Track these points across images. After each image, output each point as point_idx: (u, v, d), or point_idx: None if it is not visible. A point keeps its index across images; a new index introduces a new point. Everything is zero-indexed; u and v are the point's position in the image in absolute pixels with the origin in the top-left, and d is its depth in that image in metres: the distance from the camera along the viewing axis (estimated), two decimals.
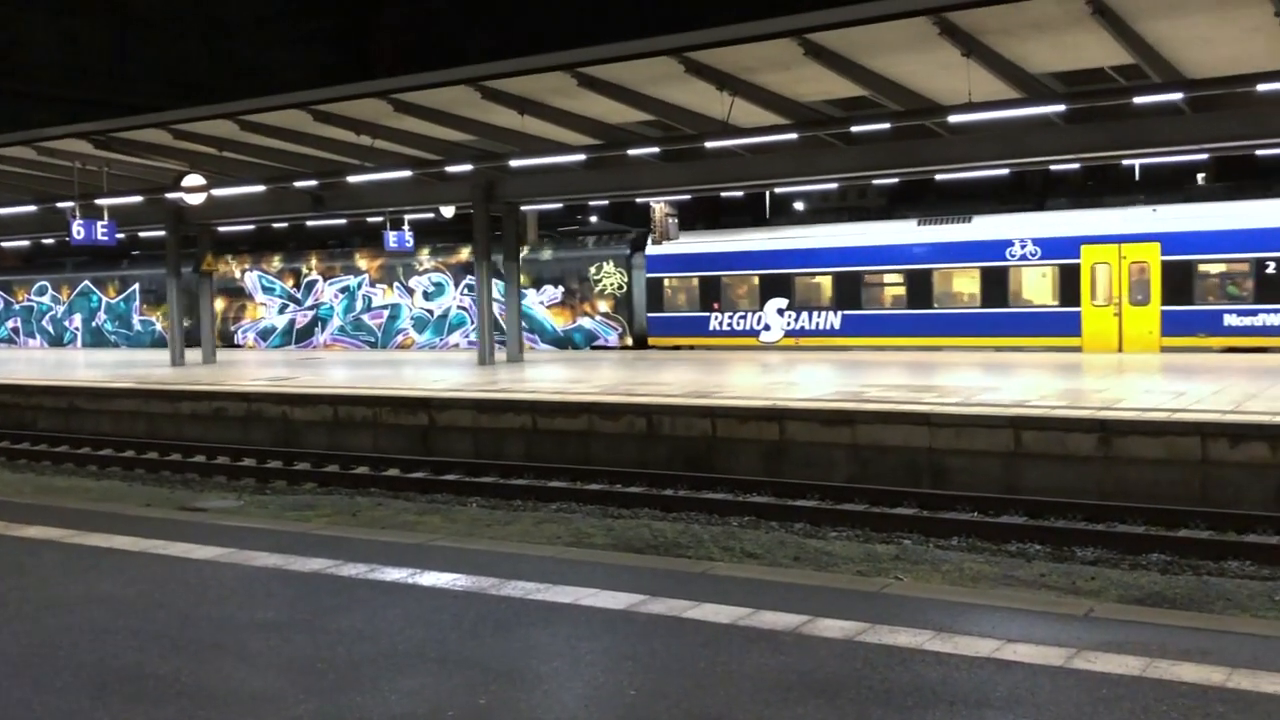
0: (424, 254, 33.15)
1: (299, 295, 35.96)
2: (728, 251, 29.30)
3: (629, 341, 30.56)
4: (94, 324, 40.62)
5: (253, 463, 17.54)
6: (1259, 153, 19.71)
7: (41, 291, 41.95)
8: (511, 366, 24.62)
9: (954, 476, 13.72)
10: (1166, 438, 12.66)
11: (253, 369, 25.89)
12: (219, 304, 34.77)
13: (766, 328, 28.66)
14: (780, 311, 28.45)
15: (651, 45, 16.56)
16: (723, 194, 26.50)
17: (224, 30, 54.64)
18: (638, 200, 27.56)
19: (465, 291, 32.33)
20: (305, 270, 35.91)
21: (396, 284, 34.00)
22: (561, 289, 31.52)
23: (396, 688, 5.09)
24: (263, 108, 20.94)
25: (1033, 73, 16.77)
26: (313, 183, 24.73)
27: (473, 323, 31.37)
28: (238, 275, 37.05)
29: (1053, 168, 22.86)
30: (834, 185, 28.60)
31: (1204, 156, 23.83)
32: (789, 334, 28.36)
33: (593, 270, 31.08)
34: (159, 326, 38.23)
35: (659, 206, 27.38)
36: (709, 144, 19.28)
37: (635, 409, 16.08)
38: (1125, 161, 24.84)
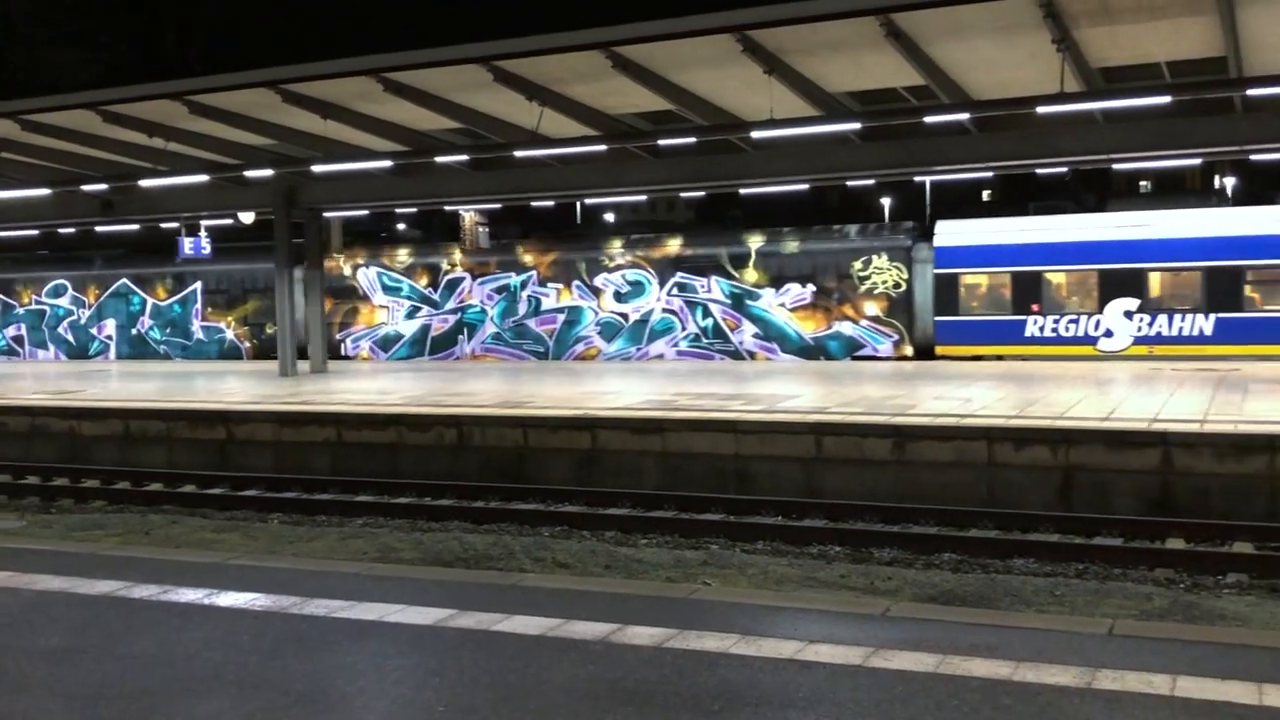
0: (615, 246, 28.40)
1: (435, 296, 29.73)
2: (1054, 242, 24.45)
3: (907, 351, 25.56)
4: (135, 331, 33.43)
5: (36, 480, 16.57)
6: (1039, 171, 20.92)
7: (58, 292, 34.62)
8: (316, 377, 23.99)
9: (760, 482, 14.04)
10: (955, 442, 13.27)
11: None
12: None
13: (1108, 333, 23.91)
14: (1128, 314, 23.73)
15: (460, 53, 16.45)
16: (533, 204, 26.39)
17: (6, 26, 51.69)
18: (446, 208, 27.29)
19: (675, 292, 27.40)
20: (446, 266, 29.57)
21: (576, 283, 28.32)
22: (811, 288, 26.22)
23: (191, 714, 4.88)
24: (46, 107, 19.87)
25: (831, 92, 17.35)
26: (102, 186, 23.57)
27: (683, 328, 27.30)
28: (347, 272, 30.48)
29: (853, 183, 23.70)
30: (643, 197, 28.94)
31: (989, 174, 25.08)
32: (1140, 341, 23.72)
33: (857, 265, 25.85)
34: (230, 334, 32.06)
35: (469, 215, 27.19)
36: (518, 153, 19.26)
37: (445, 420, 15.89)
38: (917, 178, 25.94)
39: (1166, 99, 15.72)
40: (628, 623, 5.99)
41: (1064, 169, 23.23)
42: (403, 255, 30.47)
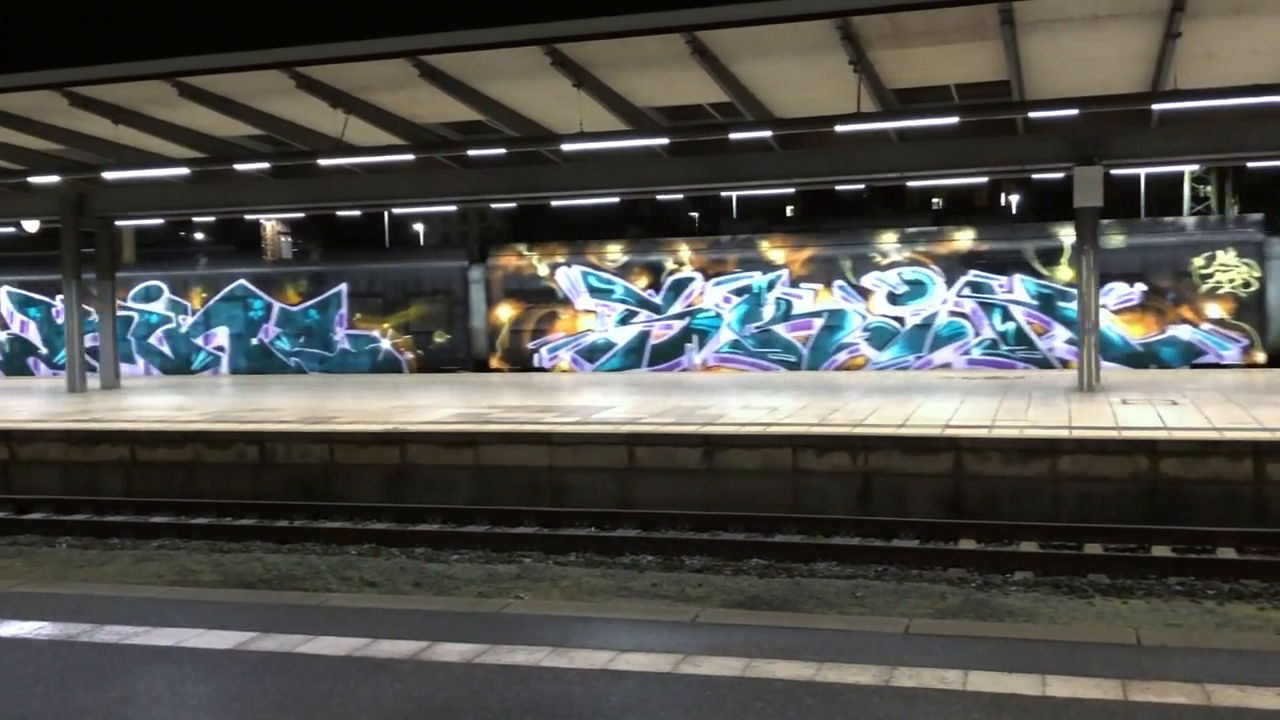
0: (888, 240, 24.93)
1: (657, 299, 26.09)
2: None
3: (1258, 358, 22.79)
4: (255, 341, 28.53)
5: None
6: (838, 188, 21.67)
7: (150, 295, 29.10)
8: (109, 394, 22.86)
9: (573, 493, 14.08)
10: (762, 450, 13.60)
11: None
12: (507, 311, 26.67)
13: None
14: None
15: (259, 58, 15.98)
16: (339, 213, 25.80)
17: None
18: (247, 217, 26.42)
19: (966, 292, 24.13)
20: (671, 265, 25.98)
21: (839, 283, 24.90)
22: (1141, 287, 23.31)
23: None
24: None
25: (640, 106, 17.59)
26: None
27: (976, 334, 24.12)
28: (543, 272, 26.63)
29: (662, 197, 24.05)
30: (453, 208, 28.63)
31: (791, 190, 25.83)
32: None
33: (1198, 262, 23.06)
34: (387, 344, 27.56)
35: (270, 225, 26.44)
36: (323, 161, 18.84)
37: (246, 437, 15.37)
38: (724, 193, 26.50)
39: (955, 120, 16.54)
40: (437, 640, 5.92)
41: (862, 185, 24.11)
42: (615, 252, 26.64)
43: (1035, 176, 21.04)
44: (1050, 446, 12.67)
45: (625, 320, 26.36)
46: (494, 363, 26.67)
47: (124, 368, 27.06)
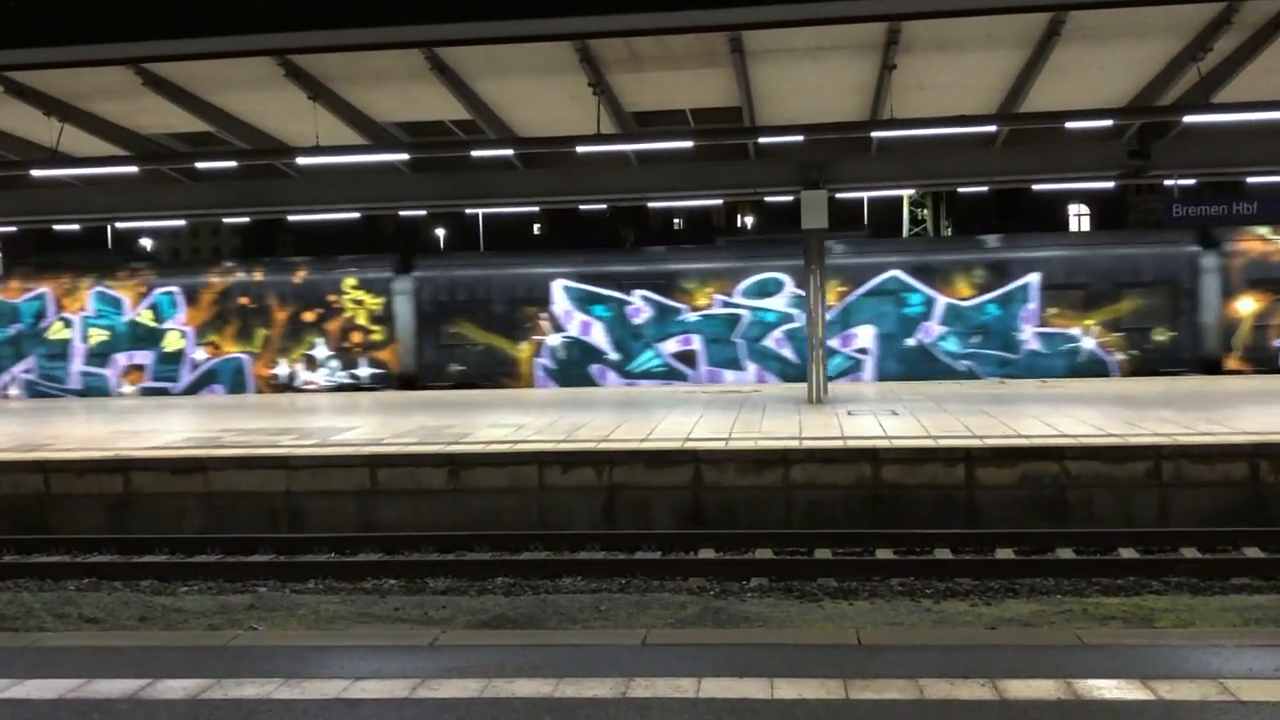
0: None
1: None
2: None
3: None
4: (912, 341, 23.41)
5: None
6: (581, 207, 21.94)
7: (766, 290, 23.75)
8: None
9: (312, 518, 13.66)
10: (509, 468, 13.59)
11: None
12: (1249, 304, 22.51)
13: None
14: None
15: None
16: (55, 227, 24.22)
17: None
18: None
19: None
20: None
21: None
22: None
23: None
24: None
25: (380, 121, 17.31)
26: None
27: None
28: None
29: (405, 213, 23.71)
30: (182, 221, 27.32)
31: (535, 209, 25.99)
32: None
33: None
34: (1090, 344, 22.93)
35: None
36: (36, 173, 17.63)
37: None
38: (467, 210, 26.36)
39: (691, 143, 17.06)
40: (160, 676, 5.62)
41: (604, 205, 24.54)
42: None
43: (768, 199, 21.90)
44: (782, 457, 13.22)
45: None
46: (1230, 363, 22.83)
47: (726, 375, 23.91)
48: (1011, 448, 13.07)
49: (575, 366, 24.13)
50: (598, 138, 16.00)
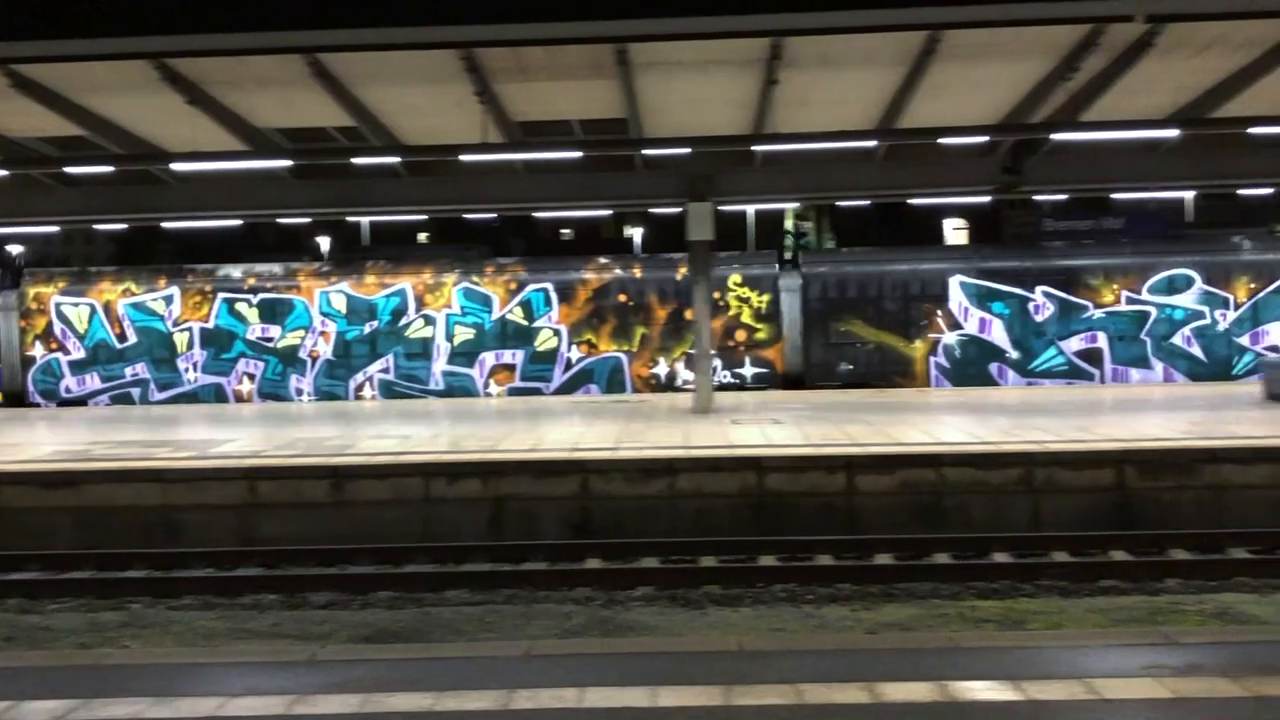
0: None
1: None
2: None
3: None
4: None
5: None
6: (467, 216, 21.81)
7: (1174, 286, 23.03)
8: None
9: (189, 532, 13.31)
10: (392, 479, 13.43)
11: None
12: None
13: None
14: None
15: None
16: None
17: None
18: None
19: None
20: None
21: None
22: None
23: None
24: None
25: (260, 127, 16.99)
26: None
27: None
28: None
29: (286, 220, 23.29)
30: (55, 229, 26.44)
31: (424, 217, 25.76)
32: None
33: None
34: None
35: None
36: None
37: None
38: (350, 218, 25.98)
39: (578, 154, 17.09)
40: (23, 699, 5.42)
41: (492, 215, 24.46)
42: None
43: (654, 211, 22.07)
44: (668, 466, 13.30)
45: None
46: None
47: (1133, 373, 23.07)
48: (890, 455, 13.36)
49: (973, 365, 23.41)
50: (482, 146, 15.94)
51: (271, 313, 23.57)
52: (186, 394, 23.62)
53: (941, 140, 16.76)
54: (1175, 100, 16.35)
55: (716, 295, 22.83)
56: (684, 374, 23.28)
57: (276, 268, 23.90)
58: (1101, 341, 23.19)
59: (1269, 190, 21.49)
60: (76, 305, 23.65)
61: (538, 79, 15.24)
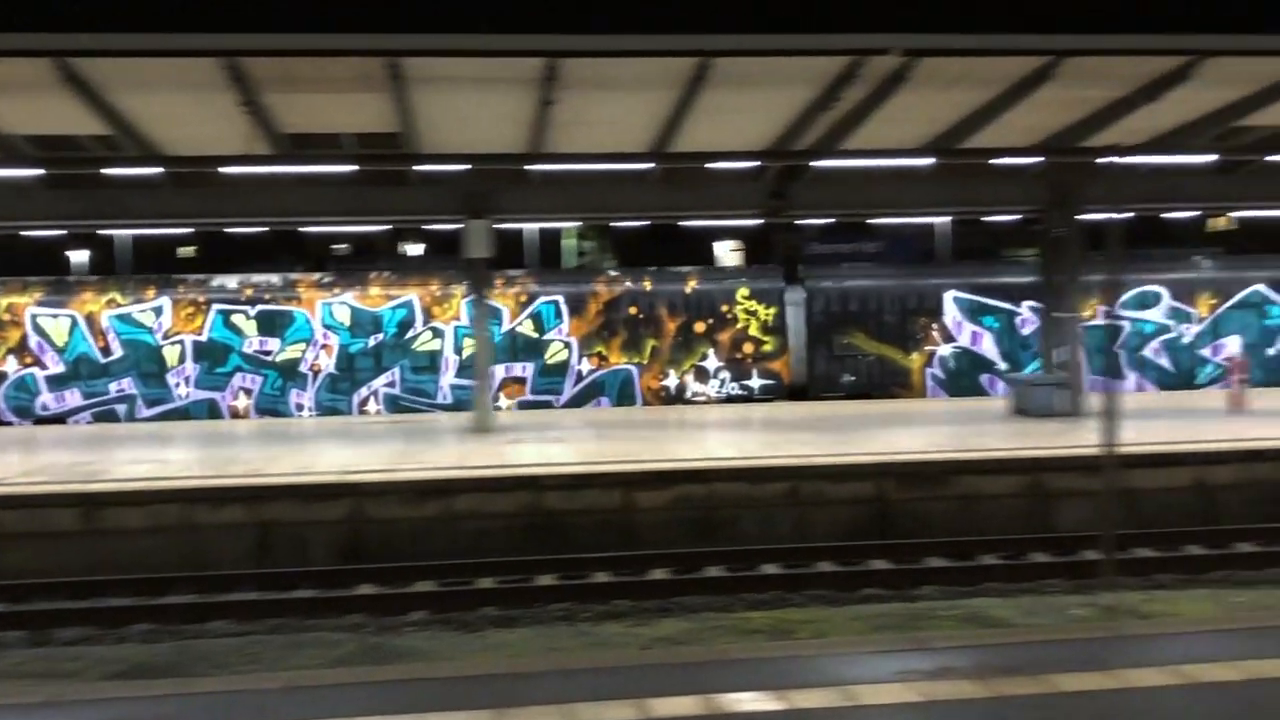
0: None
1: None
2: None
3: None
4: (1271, 351, 24.88)
5: None
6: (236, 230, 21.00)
7: (1146, 302, 24.65)
8: None
9: None
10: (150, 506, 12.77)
11: None
12: None
13: None
14: None
15: None
16: None
17: None
18: None
19: None
20: None
21: None
22: None
23: None
24: None
25: (6, 133, 15.92)
26: None
27: None
28: None
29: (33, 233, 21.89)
30: None
31: (190, 230, 24.65)
32: None
33: None
34: None
35: None
36: None
37: None
38: (101, 231, 24.63)
39: (352, 168, 16.72)
40: None
41: (262, 228, 23.66)
42: None
43: (433, 227, 21.81)
44: (445, 486, 13.13)
45: None
46: None
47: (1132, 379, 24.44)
48: (664, 471, 13.57)
49: (966, 376, 24.07)
50: (247, 158, 15.40)
51: (270, 325, 22.58)
52: (177, 410, 22.40)
53: (712, 164, 17.19)
54: (929, 131, 17.25)
55: (725, 308, 23.47)
56: (694, 386, 23.58)
57: (275, 278, 22.85)
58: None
59: (1016, 217, 23.06)
60: (55, 317, 22.13)
61: (306, 90, 14.79)
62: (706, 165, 17.86)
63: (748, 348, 23.70)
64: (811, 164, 17.85)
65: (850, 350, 23.95)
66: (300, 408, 22.65)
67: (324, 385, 22.72)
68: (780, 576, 11.96)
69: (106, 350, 22.18)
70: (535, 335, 23.19)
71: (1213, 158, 18.59)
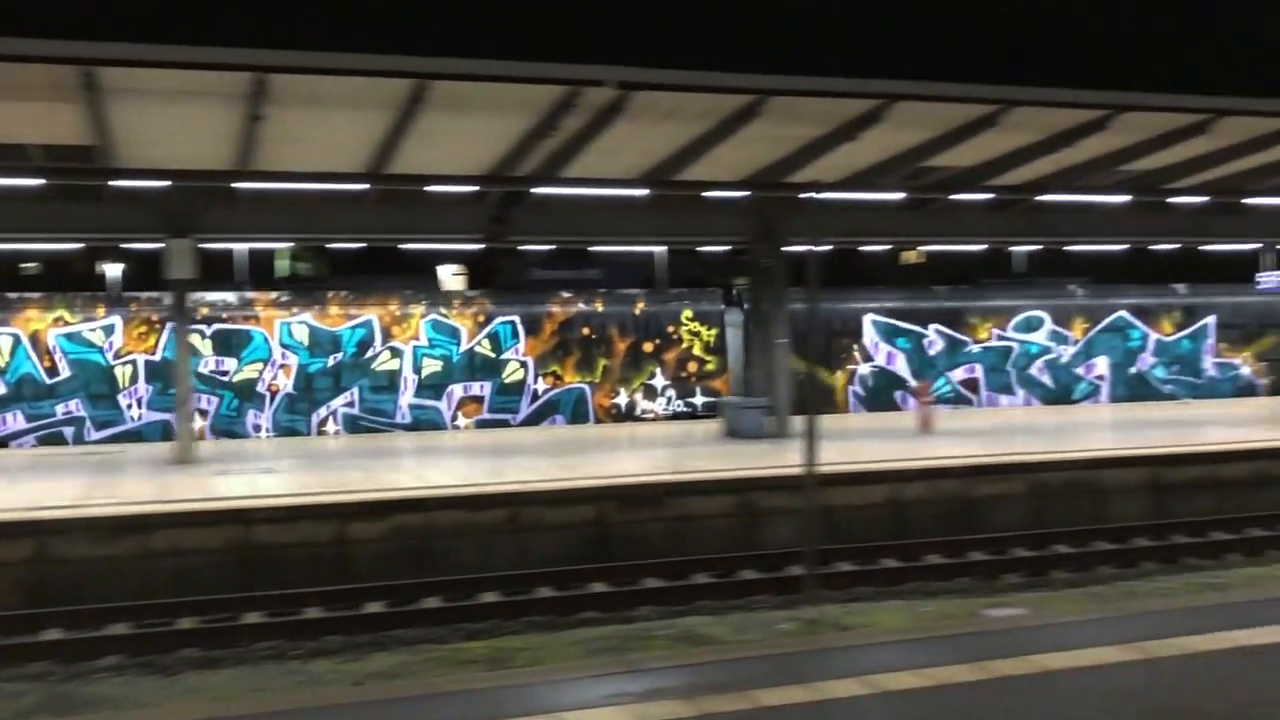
0: None
1: None
2: None
3: None
4: (1133, 370, 27.87)
5: None
6: None
7: (1031, 326, 26.82)
8: None
9: None
10: None
11: None
12: None
13: None
14: None
15: None
16: None
17: None
18: None
19: None
20: None
21: None
22: None
23: None
24: None
25: None
26: None
27: None
28: None
29: None
30: None
31: None
32: None
33: None
34: (1246, 371, 28.91)
35: None
36: None
37: None
38: None
39: (40, 181, 15.56)
40: None
41: None
42: None
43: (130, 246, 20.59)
44: (141, 523, 12.35)
45: None
46: None
47: (1003, 399, 26.95)
48: (380, 501, 13.27)
49: (882, 393, 25.70)
50: None
51: (226, 345, 21.83)
52: (129, 432, 21.37)
53: (430, 187, 17.01)
54: (645, 162, 17.68)
55: (671, 329, 24.51)
56: (643, 404, 24.40)
57: (231, 297, 22.21)
58: (979, 372, 26.70)
59: (725, 248, 24.13)
60: None
61: None
62: (425, 188, 17.63)
63: (692, 366, 24.77)
64: (532, 190, 17.94)
65: None
66: (258, 428, 22.16)
67: (282, 406, 22.34)
68: (499, 604, 11.89)
69: (53, 370, 21.09)
70: (493, 355, 23.45)
71: (901, 196, 19.95)
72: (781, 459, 16.01)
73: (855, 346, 25.73)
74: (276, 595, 11.98)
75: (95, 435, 21.22)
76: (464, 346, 23.21)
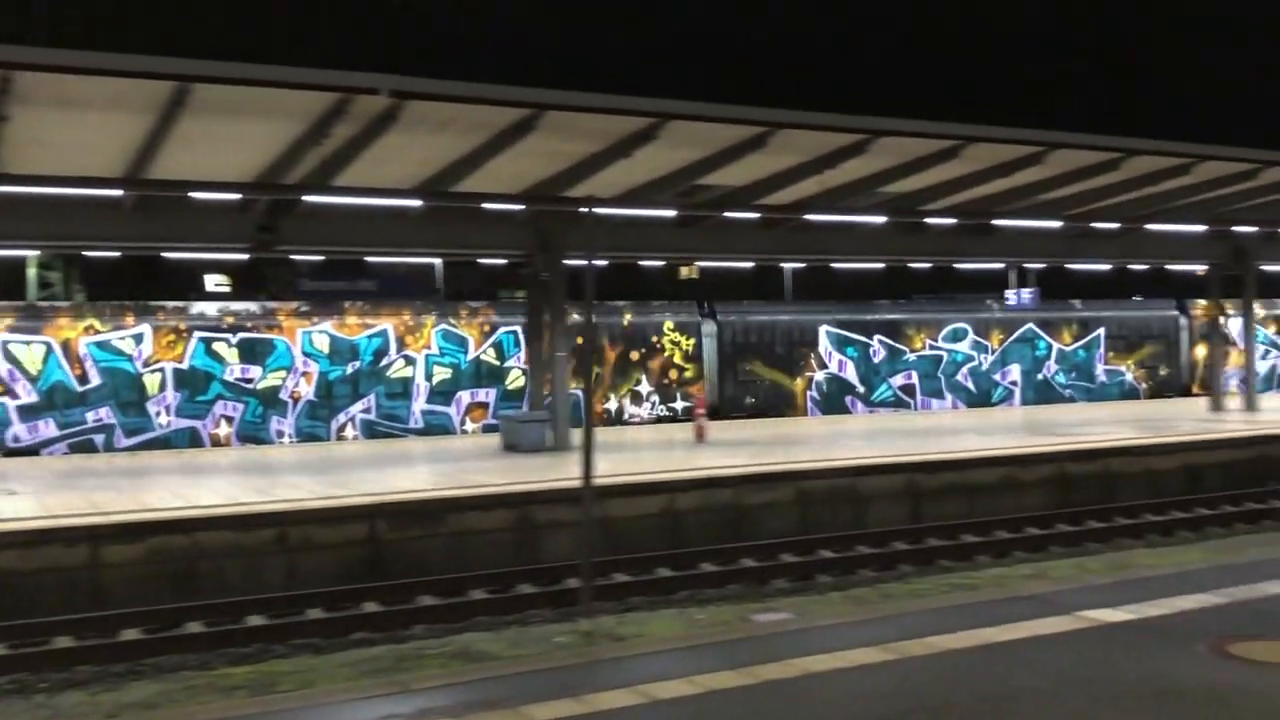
0: None
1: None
2: None
3: None
4: (1040, 376, 31.45)
5: None
6: None
7: (957, 336, 29.64)
8: None
9: None
10: None
11: None
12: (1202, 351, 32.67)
13: None
14: None
15: None
16: None
17: None
18: None
19: None
20: None
21: None
22: None
23: None
24: None
25: None
26: None
27: None
28: (1229, 323, 30.16)
29: None
30: None
31: None
32: None
33: None
34: (1130, 377, 32.88)
35: None
36: None
37: None
38: None
39: None
40: None
41: None
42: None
43: None
44: None
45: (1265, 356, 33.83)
46: (1195, 390, 32.29)
47: (934, 403, 29.77)
48: (138, 523, 12.61)
49: (835, 398, 28.09)
50: None
51: (251, 353, 22.52)
52: (158, 439, 21.90)
53: (193, 194, 16.33)
54: (421, 172, 17.45)
55: (655, 339, 26.45)
56: (630, 409, 26.13)
57: (254, 306, 23.18)
58: (914, 379, 29.46)
59: (504, 260, 24.10)
60: (28, 344, 21.21)
61: None
62: (188, 195, 16.90)
63: (673, 374, 26.68)
64: (302, 199, 17.45)
65: (751, 376, 27.48)
66: (281, 434, 22.75)
67: (304, 412, 23.09)
68: (266, 628, 11.48)
69: (84, 378, 21.50)
70: (497, 363, 24.71)
71: (673, 213, 20.38)
72: (561, 471, 16.08)
73: (812, 355, 28.05)
74: (21, 625, 11.22)
75: (125, 442, 21.62)
76: (471, 355, 24.61)
